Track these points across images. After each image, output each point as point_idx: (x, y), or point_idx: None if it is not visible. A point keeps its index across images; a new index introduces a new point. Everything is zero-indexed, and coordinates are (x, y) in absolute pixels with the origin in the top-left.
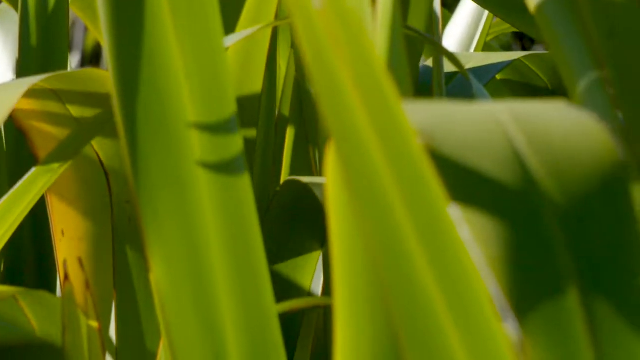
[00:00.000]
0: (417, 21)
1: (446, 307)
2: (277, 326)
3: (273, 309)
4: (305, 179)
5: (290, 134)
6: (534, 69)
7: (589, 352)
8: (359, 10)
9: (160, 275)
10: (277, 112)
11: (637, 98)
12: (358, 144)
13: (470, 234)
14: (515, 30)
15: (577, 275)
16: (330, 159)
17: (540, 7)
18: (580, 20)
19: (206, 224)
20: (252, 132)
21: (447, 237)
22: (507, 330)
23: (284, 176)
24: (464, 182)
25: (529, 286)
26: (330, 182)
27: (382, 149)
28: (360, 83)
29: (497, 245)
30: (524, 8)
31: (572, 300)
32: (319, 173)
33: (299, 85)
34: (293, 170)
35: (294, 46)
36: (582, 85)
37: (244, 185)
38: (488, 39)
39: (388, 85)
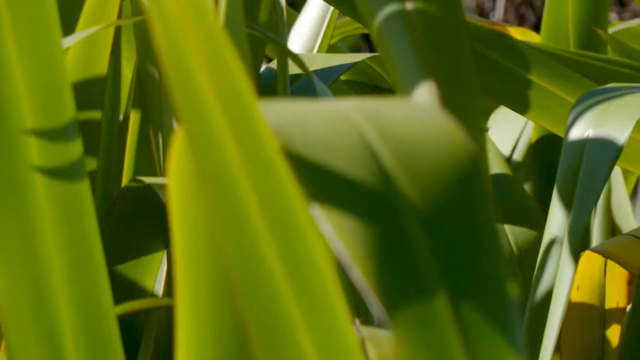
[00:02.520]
0: (261, 21)
1: (297, 305)
2: (116, 329)
3: (111, 312)
4: (148, 180)
5: (133, 133)
6: (378, 70)
7: (460, 352)
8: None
9: None
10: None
11: (456, 103)
12: (212, 141)
13: (334, 235)
14: (365, 31)
15: (441, 275)
16: (174, 157)
17: (376, 19)
18: (411, 31)
19: (44, 230)
20: (95, 135)
21: (300, 236)
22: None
23: (127, 174)
24: (322, 182)
25: (397, 287)
26: (173, 181)
27: (236, 146)
28: (216, 80)
29: (361, 247)
30: None
31: (441, 301)
32: (163, 172)
33: (142, 84)
34: (137, 169)
35: (139, 44)
36: (411, 89)
37: (83, 190)
38: (334, 40)
39: (243, 83)
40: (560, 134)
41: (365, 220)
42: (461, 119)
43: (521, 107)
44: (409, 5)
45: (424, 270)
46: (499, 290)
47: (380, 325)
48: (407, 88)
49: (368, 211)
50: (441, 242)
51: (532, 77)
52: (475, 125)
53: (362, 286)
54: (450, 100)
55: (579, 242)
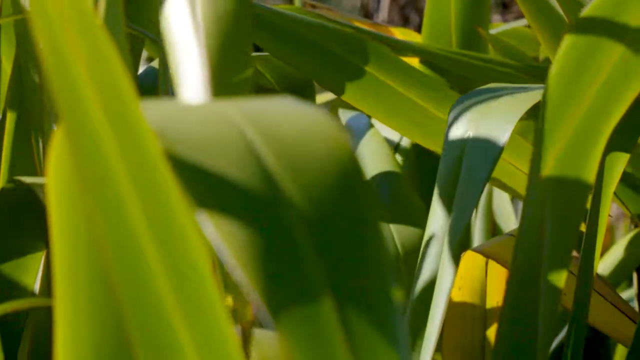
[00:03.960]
0: (141, 20)
1: (177, 306)
2: None
3: None
4: (28, 180)
5: (9, 131)
6: (260, 69)
7: (344, 354)
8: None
9: None
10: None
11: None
12: (93, 141)
13: (218, 237)
14: None
15: (326, 276)
16: (53, 157)
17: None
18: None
19: None
20: None
21: (181, 238)
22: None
23: (4, 173)
24: (205, 184)
25: (281, 290)
26: (52, 181)
27: (118, 146)
28: (97, 79)
29: (245, 250)
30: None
31: (326, 303)
32: (43, 172)
33: (22, 82)
34: (17, 168)
35: (19, 42)
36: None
37: None
38: None
39: (124, 82)
40: (428, 145)
41: (248, 223)
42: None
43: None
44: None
45: (309, 272)
46: (383, 292)
47: (263, 326)
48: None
49: (251, 214)
50: (325, 243)
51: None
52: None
53: (247, 289)
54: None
55: (460, 242)
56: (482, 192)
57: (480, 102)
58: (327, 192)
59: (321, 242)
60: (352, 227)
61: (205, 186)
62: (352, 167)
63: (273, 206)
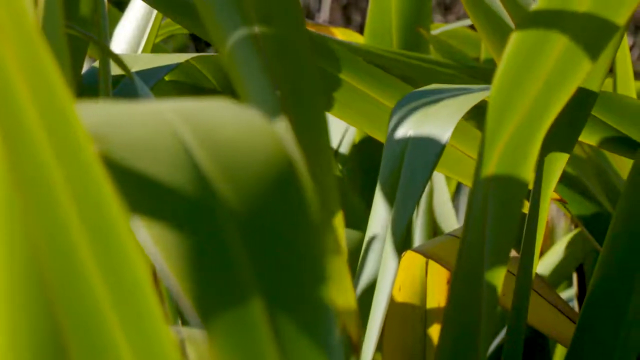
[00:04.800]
0: (81, 19)
1: (114, 309)
2: None
3: None
4: None
5: None
6: (202, 70)
7: (274, 358)
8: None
9: None
10: None
11: (300, 110)
12: (27, 144)
13: (150, 241)
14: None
15: (258, 281)
16: None
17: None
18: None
19: None
20: None
21: (118, 241)
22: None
23: None
24: (139, 188)
25: (211, 295)
26: None
27: (53, 150)
28: (31, 82)
29: (177, 255)
30: (195, 10)
31: (257, 309)
32: None
33: None
34: None
35: None
36: (253, 87)
37: None
38: (160, 38)
39: (60, 85)
40: (376, 136)
41: (180, 226)
42: (309, 134)
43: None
44: (257, 29)
45: (240, 276)
46: (316, 295)
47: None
48: (259, 107)
49: (183, 217)
50: (258, 248)
51: (344, 77)
52: (323, 140)
53: (177, 294)
54: (298, 118)
55: (401, 242)
56: (423, 191)
57: (422, 102)
58: (262, 195)
59: (253, 246)
60: (285, 231)
61: (139, 189)
62: (289, 169)
63: (205, 209)
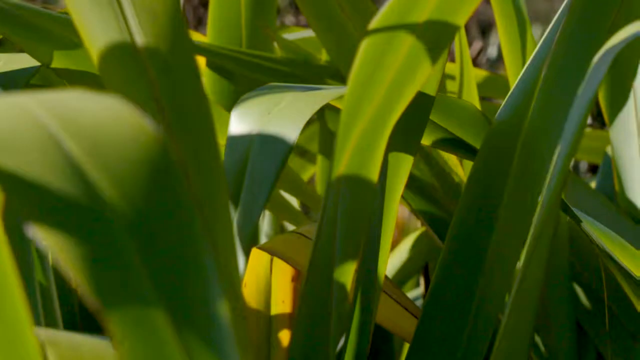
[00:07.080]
0: None
1: None
2: None
3: None
4: None
5: None
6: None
7: (175, 356)
8: None
9: None
10: None
11: (186, 128)
12: None
13: (50, 247)
14: None
15: (152, 283)
16: None
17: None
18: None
19: None
20: None
21: None
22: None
23: None
24: (22, 189)
25: (112, 294)
26: None
27: None
28: None
29: (75, 257)
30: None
31: (156, 308)
32: None
33: None
34: None
35: None
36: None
37: None
38: None
39: None
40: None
41: (69, 229)
42: (195, 147)
43: None
44: (139, 40)
45: (135, 273)
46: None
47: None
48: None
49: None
50: (145, 239)
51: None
52: (211, 150)
53: (84, 294)
54: (184, 137)
55: (249, 240)
56: (270, 193)
57: (267, 101)
58: (139, 182)
59: (146, 252)
60: (167, 216)
61: (20, 189)
62: (159, 150)
63: (89, 209)
